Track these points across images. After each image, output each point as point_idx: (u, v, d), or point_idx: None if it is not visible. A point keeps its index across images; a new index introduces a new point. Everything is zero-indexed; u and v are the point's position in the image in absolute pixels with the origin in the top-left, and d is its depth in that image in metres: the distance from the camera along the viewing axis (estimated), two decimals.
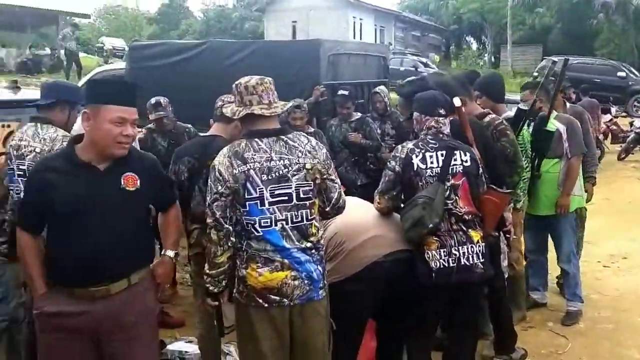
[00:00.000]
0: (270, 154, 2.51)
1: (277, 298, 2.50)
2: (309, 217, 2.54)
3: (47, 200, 2.28)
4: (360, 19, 30.09)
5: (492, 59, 32.56)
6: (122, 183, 2.34)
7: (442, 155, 2.98)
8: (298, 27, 30.02)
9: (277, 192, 2.49)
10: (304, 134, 2.73)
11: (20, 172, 3.02)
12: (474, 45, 39.02)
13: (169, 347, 3.83)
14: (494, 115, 3.74)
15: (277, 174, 2.49)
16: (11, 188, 3.10)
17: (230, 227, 2.53)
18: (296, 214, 2.52)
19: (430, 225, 2.86)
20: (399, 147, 3.11)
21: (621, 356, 3.95)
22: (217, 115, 3.68)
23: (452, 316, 3.18)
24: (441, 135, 3.05)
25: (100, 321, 2.33)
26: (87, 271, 2.28)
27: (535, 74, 17.47)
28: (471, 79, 4.09)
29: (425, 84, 3.63)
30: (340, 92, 5.40)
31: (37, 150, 2.98)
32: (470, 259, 2.94)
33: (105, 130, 2.24)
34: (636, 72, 18.78)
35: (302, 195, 2.53)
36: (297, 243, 2.51)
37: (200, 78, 5.93)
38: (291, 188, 2.51)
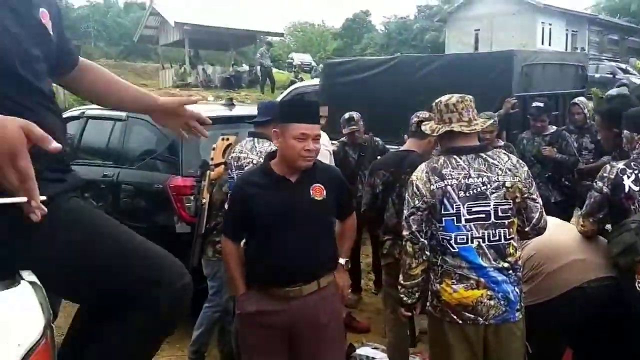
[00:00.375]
0: (468, 171, 2.52)
1: (472, 316, 2.48)
2: (507, 237, 2.50)
3: (248, 211, 2.52)
4: (550, 24, 28.24)
5: None
6: (311, 193, 2.51)
7: None
8: (481, 36, 29.18)
9: (474, 209, 2.49)
10: (504, 152, 2.68)
11: None
12: None
13: (358, 350, 3.99)
14: None
15: (474, 191, 2.49)
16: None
17: (426, 241, 2.58)
18: (494, 232, 2.48)
19: None
20: (607, 166, 2.90)
21: None
22: (412, 130, 3.77)
23: None
24: None
25: (294, 320, 2.53)
26: (282, 273, 2.50)
27: None
28: None
29: (628, 100, 3.35)
30: (535, 104, 5.15)
31: (254, 162, 3.33)
32: None
33: (291, 145, 2.45)
34: None
35: (500, 214, 2.49)
36: (493, 262, 2.48)
37: (390, 92, 6.10)
38: (489, 206, 2.48)
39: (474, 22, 29.30)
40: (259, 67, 19.25)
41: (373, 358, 3.91)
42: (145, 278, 1.47)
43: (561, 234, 2.98)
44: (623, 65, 22.10)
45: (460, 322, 2.50)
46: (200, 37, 22.00)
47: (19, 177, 1.06)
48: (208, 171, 3.61)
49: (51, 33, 1.47)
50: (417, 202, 2.56)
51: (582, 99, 5.47)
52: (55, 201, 1.39)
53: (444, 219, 2.52)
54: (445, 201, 2.51)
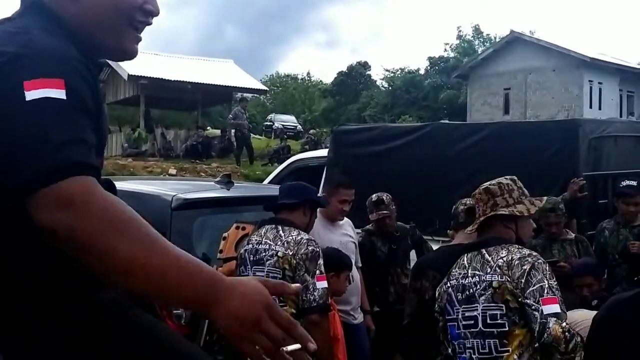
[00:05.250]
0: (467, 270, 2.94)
1: None
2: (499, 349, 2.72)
3: None
4: (599, 83, 29.36)
5: None
6: None
7: None
8: (512, 96, 30.20)
9: (467, 314, 2.84)
10: (510, 247, 2.90)
11: None
12: None
13: None
14: None
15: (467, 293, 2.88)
16: None
17: None
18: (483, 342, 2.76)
19: None
20: None
21: None
22: (460, 221, 3.91)
23: None
24: None
25: None
26: None
27: None
28: None
29: None
30: (626, 182, 5.28)
31: (280, 254, 3.42)
32: None
33: None
34: None
35: (489, 321, 2.75)
36: None
37: (420, 169, 6.28)
38: (477, 310, 2.79)
39: (502, 79, 30.39)
40: (233, 132, 19.53)
41: None
42: None
43: None
44: None
45: None
46: (159, 95, 22.42)
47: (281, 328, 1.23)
48: (215, 266, 3.67)
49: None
50: None
51: None
52: (117, 308, 1.51)
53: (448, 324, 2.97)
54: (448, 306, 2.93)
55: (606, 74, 29.70)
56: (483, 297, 2.77)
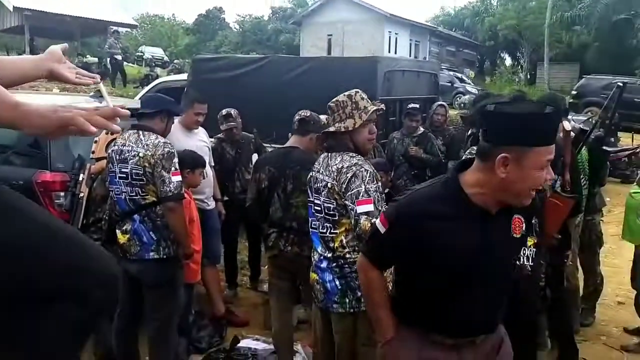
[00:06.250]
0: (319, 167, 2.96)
1: (313, 295, 3.03)
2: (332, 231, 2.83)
3: (426, 250, 1.89)
4: (396, 34, 30.31)
5: (528, 76, 32.37)
6: (511, 229, 1.94)
7: None
8: (333, 41, 30.40)
9: (316, 202, 2.92)
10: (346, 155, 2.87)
11: (122, 175, 3.30)
12: (508, 62, 38.85)
13: (240, 344, 4.07)
14: None
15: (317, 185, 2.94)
16: (111, 189, 3.39)
17: None
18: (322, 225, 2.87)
19: None
20: None
21: None
22: (295, 128, 3.93)
23: None
24: None
25: None
26: (463, 328, 1.98)
27: (574, 92, 17.42)
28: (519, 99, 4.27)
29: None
30: (411, 105, 5.59)
31: (141, 154, 3.26)
32: None
33: (530, 176, 1.78)
34: None
35: (326, 211, 2.84)
36: (322, 251, 2.90)
37: (260, 91, 6.20)
38: (320, 200, 2.87)
39: (327, 27, 30.42)
40: (109, 60, 18.19)
41: (255, 349, 4.03)
42: (75, 266, 1.41)
43: None
44: (459, 75, 24.52)
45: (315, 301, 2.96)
46: (42, 25, 20.24)
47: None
48: (88, 164, 3.46)
49: None
50: None
51: (444, 104, 6.06)
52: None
53: None
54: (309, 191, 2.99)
55: (401, 27, 30.68)
56: (324, 193, 2.80)
